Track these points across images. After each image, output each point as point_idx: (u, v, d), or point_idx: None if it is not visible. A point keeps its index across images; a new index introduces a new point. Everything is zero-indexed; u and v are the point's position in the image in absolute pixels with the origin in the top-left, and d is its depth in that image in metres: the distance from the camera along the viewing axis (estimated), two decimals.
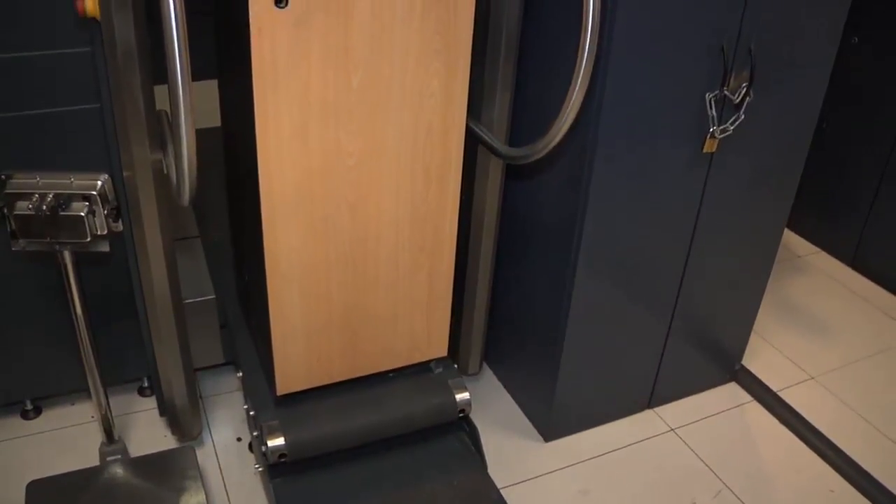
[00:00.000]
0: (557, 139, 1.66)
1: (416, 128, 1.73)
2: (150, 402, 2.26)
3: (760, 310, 2.46)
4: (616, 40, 1.68)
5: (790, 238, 3.36)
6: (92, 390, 1.93)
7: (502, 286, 2.29)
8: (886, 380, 2.60)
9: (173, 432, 2.11)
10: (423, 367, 2.11)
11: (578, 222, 1.89)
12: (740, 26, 1.81)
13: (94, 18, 1.52)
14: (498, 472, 2.09)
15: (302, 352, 1.90)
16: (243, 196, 1.88)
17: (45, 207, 1.64)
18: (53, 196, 1.65)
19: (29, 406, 2.20)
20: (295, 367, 1.92)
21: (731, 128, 1.89)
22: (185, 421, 2.06)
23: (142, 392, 2.30)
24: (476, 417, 2.10)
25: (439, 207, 1.86)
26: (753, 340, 2.55)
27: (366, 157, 1.71)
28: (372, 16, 1.57)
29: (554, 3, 1.83)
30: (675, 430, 2.33)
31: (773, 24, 1.85)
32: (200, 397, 2.28)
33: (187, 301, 2.02)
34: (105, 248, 1.74)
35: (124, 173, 1.67)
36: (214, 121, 2.19)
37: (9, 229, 1.69)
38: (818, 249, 3.31)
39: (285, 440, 1.86)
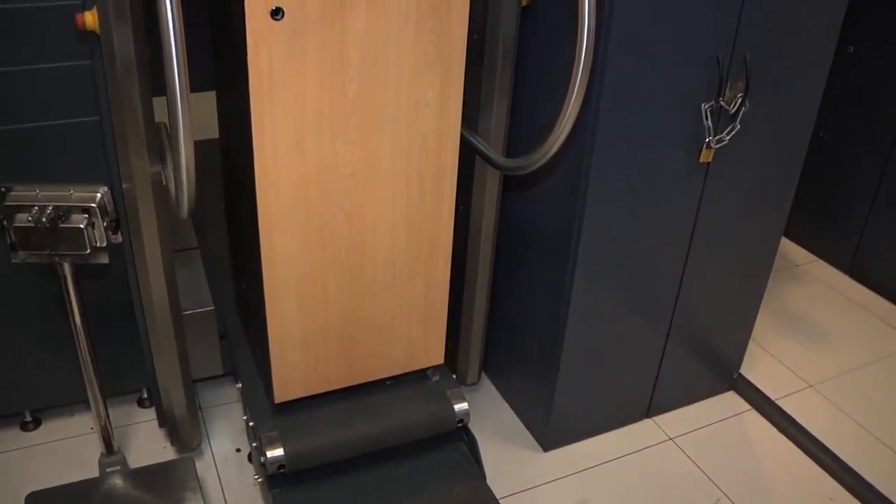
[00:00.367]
0: (553, 151, 1.67)
1: (411, 137, 1.75)
2: (150, 414, 2.26)
3: (759, 318, 2.47)
4: (612, 51, 1.69)
5: (788, 247, 3.36)
6: (91, 401, 1.93)
7: (501, 296, 2.29)
8: (885, 388, 2.60)
9: (173, 443, 2.11)
10: (420, 375, 2.12)
11: (576, 232, 1.90)
12: (735, 37, 1.82)
13: (93, 32, 1.53)
14: (497, 481, 2.09)
15: (299, 359, 1.91)
16: (241, 205, 1.89)
17: (44, 220, 1.64)
18: (53, 208, 1.66)
19: (28, 417, 2.20)
20: (292, 375, 1.93)
21: (727, 138, 1.90)
22: (184, 432, 2.07)
23: (141, 403, 2.30)
24: (475, 427, 2.10)
25: (435, 216, 1.88)
26: (752, 349, 2.55)
27: (361, 166, 1.73)
28: (367, 28, 1.58)
29: (550, 15, 1.84)
30: (674, 439, 2.33)
31: (768, 34, 1.87)
32: (200, 408, 2.28)
33: (186, 312, 2.03)
34: (104, 259, 1.74)
35: (123, 185, 1.68)
36: (213, 132, 2.20)
37: (8, 241, 1.69)
38: (816, 258, 3.32)
39: (284, 451, 1.86)
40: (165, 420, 2.05)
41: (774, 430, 2.40)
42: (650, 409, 2.38)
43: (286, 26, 1.51)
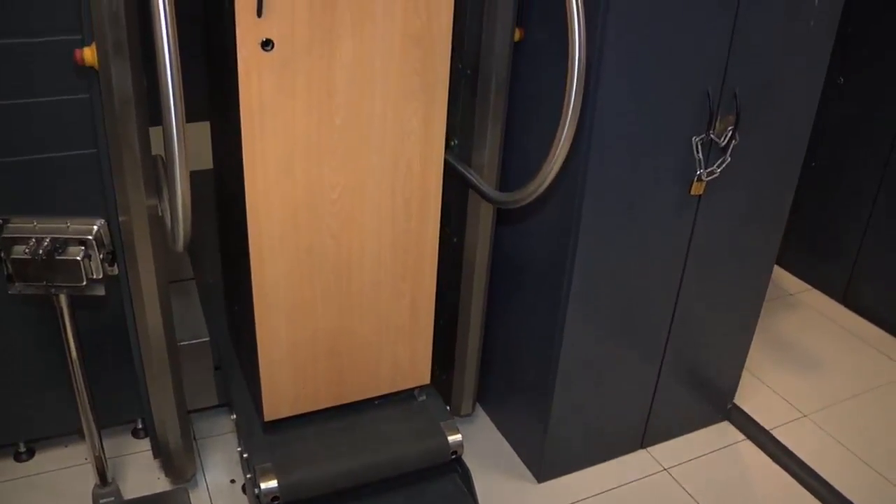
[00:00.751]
0: (545, 185, 1.69)
1: (396, 163, 1.81)
2: (145, 444, 2.26)
3: (752, 348, 2.47)
4: (603, 85, 1.72)
5: (781, 276, 3.38)
6: (86, 432, 1.93)
7: (495, 327, 2.30)
8: (880, 417, 2.61)
9: (167, 474, 2.11)
10: (407, 395, 2.16)
11: (568, 264, 1.91)
12: (725, 71, 1.85)
13: (92, 67, 1.56)
14: None
15: (288, 377, 1.95)
16: (232, 229, 1.93)
17: (41, 252, 1.65)
18: (50, 240, 1.67)
19: (22, 448, 2.20)
20: (282, 393, 1.96)
21: (718, 170, 1.92)
22: (179, 463, 2.07)
23: (136, 434, 2.30)
24: (469, 458, 2.10)
25: (420, 238, 1.93)
26: (746, 379, 2.56)
27: (348, 190, 1.79)
28: (353, 59, 1.65)
29: (542, 49, 1.87)
30: (669, 470, 2.33)
31: (758, 68, 1.89)
32: (195, 439, 2.28)
33: (182, 343, 2.04)
34: (100, 291, 1.75)
35: (120, 218, 1.70)
36: (210, 163, 2.22)
37: (5, 273, 1.71)
38: (809, 287, 3.33)
39: (278, 483, 1.86)
40: (160, 451, 2.05)
41: (769, 460, 2.40)
42: (644, 439, 2.38)
43: (276, 57, 1.58)
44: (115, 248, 1.75)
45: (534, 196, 1.74)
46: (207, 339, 2.17)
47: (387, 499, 2.01)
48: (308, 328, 1.90)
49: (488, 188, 1.93)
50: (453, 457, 2.04)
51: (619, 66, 1.72)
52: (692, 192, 1.95)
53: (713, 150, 1.92)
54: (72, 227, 1.69)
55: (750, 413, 2.54)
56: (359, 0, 1.60)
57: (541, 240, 2.04)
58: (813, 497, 2.27)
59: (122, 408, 2.17)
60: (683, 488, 2.27)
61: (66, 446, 2.25)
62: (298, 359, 1.93)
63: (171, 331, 1.88)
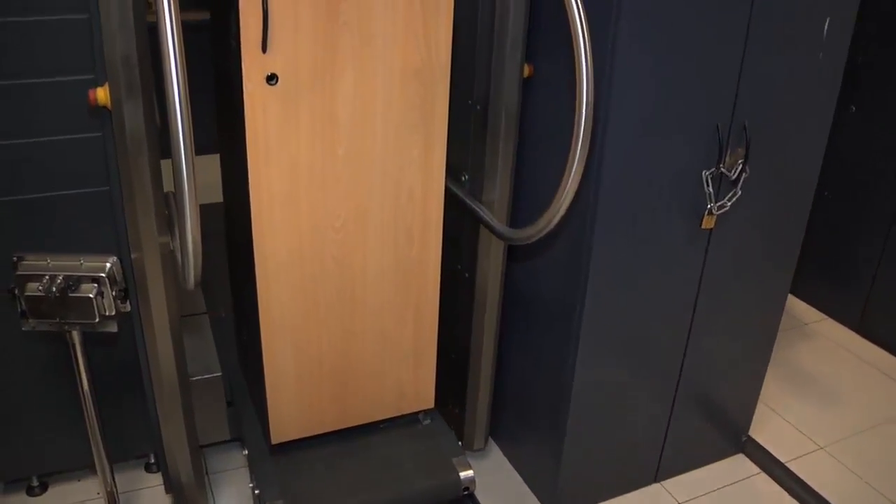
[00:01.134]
0: (554, 222, 1.69)
1: (398, 192, 1.86)
2: (157, 479, 2.26)
3: (767, 379, 2.45)
4: (612, 120, 1.72)
5: (796, 305, 3.36)
6: (98, 467, 1.93)
7: (507, 361, 2.29)
8: None
9: None
10: (412, 419, 2.19)
11: (579, 299, 1.91)
12: (734, 105, 1.85)
13: (105, 107, 1.58)
14: None
15: (294, 400, 1.98)
16: (240, 257, 1.98)
17: (54, 289, 1.67)
18: (63, 278, 1.69)
19: (35, 482, 2.20)
20: (288, 416, 2.00)
21: (729, 204, 1.92)
22: (191, 497, 2.06)
23: (148, 468, 2.30)
24: (482, 494, 2.09)
25: (421, 264, 1.97)
26: (760, 410, 2.53)
27: (351, 218, 1.84)
28: (355, 92, 1.71)
29: (552, 84, 1.88)
30: None
31: (767, 101, 1.89)
32: (207, 474, 2.28)
33: (194, 378, 2.05)
34: (113, 328, 1.76)
35: (132, 255, 1.71)
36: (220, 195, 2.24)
37: (19, 309, 1.72)
38: (824, 316, 3.31)
39: None
40: (172, 485, 2.05)
41: (785, 493, 2.37)
42: (658, 473, 2.36)
43: (280, 90, 1.64)
44: (128, 285, 1.76)
45: (543, 233, 1.74)
46: (220, 373, 2.17)
47: None
48: (313, 352, 1.95)
49: (498, 224, 1.94)
50: (465, 493, 2.03)
51: (627, 101, 1.72)
52: (703, 226, 1.94)
53: (724, 184, 1.92)
54: (85, 264, 1.71)
55: (765, 445, 2.51)
56: (360, 36, 1.66)
57: (552, 274, 2.04)
58: None
59: (134, 442, 2.18)
60: None
61: (78, 480, 2.25)
62: (304, 382, 1.98)
63: (183, 366, 1.89)
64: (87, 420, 1.87)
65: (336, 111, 1.71)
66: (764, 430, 2.58)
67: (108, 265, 1.71)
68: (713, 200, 1.90)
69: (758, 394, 2.46)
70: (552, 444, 2.16)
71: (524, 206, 2.05)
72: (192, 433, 1.98)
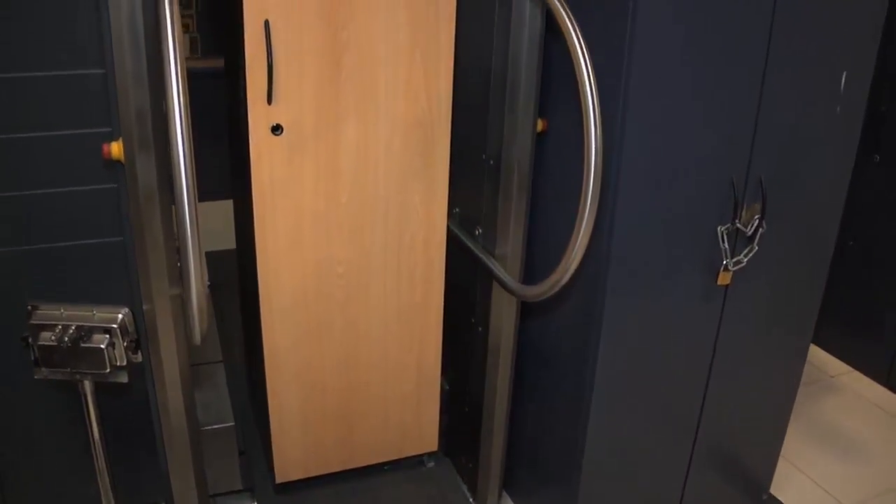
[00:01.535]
0: (566, 278, 1.68)
1: (400, 238, 1.91)
2: None
3: (789, 434, 2.40)
4: (624, 175, 1.71)
5: (821, 357, 3.29)
6: None
7: (520, 415, 2.27)
8: None
9: None
10: (416, 462, 2.24)
11: (592, 354, 1.89)
12: (749, 159, 1.83)
13: (119, 161, 1.60)
14: None
15: (298, 440, 2.02)
16: (249, 301, 2.03)
17: (67, 339, 1.69)
18: (76, 328, 1.71)
19: None
20: (292, 455, 2.04)
21: (745, 259, 1.89)
22: None
23: None
24: None
25: (424, 308, 2.02)
26: (782, 467, 2.48)
27: (354, 263, 1.89)
28: (358, 142, 1.76)
29: (566, 138, 1.88)
30: None
31: (783, 155, 1.88)
32: None
33: (206, 427, 2.04)
34: (124, 378, 1.77)
35: (144, 306, 1.72)
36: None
37: (32, 358, 1.73)
38: (850, 368, 3.24)
39: None
40: None
41: None
42: None
43: (285, 140, 1.70)
44: (139, 336, 1.77)
45: (555, 290, 1.73)
46: (232, 423, 2.16)
47: None
48: (317, 394, 1.99)
49: (510, 280, 1.93)
50: None
51: (640, 156, 1.71)
52: (719, 282, 1.92)
53: (740, 239, 1.90)
54: (97, 315, 1.73)
55: None
56: (363, 88, 1.72)
57: (565, 328, 2.02)
58: None
59: (144, 492, 2.16)
60: None
61: None
62: (308, 423, 2.02)
63: (194, 416, 1.89)
64: (97, 469, 1.88)
65: (339, 160, 1.76)
66: (786, 487, 2.52)
67: (119, 316, 1.73)
68: (729, 256, 1.88)
69: (779, 450, 2.41)
70: (566, 498, 2.12)
71: (539, 261, 2.03)
72: (202, 483, 1.97)
